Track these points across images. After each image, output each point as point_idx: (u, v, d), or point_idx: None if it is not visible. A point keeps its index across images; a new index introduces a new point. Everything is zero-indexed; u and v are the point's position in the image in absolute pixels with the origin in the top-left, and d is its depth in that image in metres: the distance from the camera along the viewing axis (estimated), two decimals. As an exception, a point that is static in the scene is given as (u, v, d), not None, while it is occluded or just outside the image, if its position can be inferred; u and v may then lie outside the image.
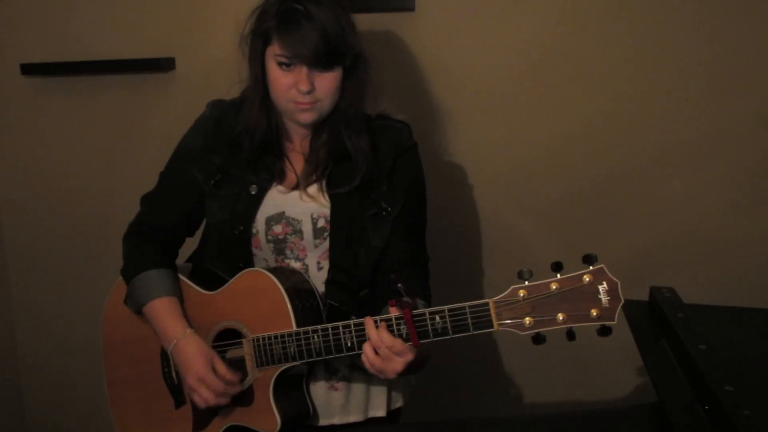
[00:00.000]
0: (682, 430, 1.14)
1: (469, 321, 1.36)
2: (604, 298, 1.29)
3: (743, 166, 2.14)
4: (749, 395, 1.13)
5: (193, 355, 1.56)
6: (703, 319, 1.45)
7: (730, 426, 1.06)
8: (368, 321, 1.42)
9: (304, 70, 1.50)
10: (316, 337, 1.48)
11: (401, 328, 1.40)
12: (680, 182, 2.18)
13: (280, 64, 1.51)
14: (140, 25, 2.32)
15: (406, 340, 1.40)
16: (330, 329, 1.47)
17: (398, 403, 1.75)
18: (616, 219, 2.22)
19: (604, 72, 2.15)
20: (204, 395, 1.54)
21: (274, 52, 1.51)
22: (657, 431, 1.28)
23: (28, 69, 2.36)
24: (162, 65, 2.30)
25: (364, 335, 1.43)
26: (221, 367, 1.55)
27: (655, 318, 1.52)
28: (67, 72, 2.36)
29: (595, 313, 1.29)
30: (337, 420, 1.67)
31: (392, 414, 1.74)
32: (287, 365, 1.52)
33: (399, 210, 1.61)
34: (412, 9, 2.16)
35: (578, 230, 2.24)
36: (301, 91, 1.50)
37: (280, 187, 1.62)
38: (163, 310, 1.60)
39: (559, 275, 1.30)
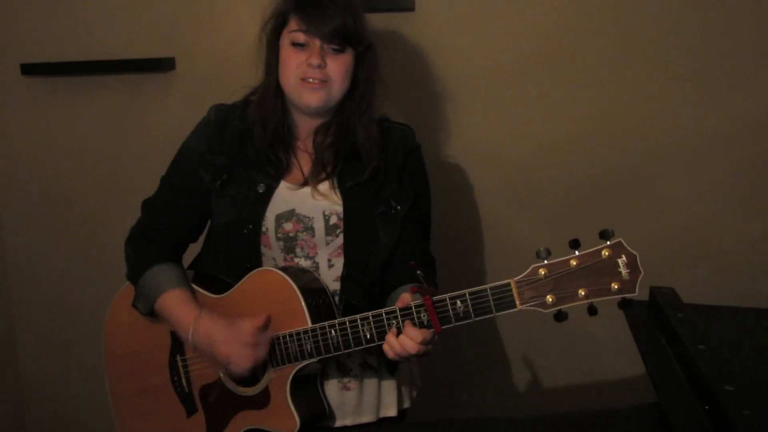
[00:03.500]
0: (682, 430, 1.14)
1: (492, 302, 1.36)
2: (624, 271, 1.29)
3: (743, 166, 2.14)
4: (749, 395, 1.13)
5: (213, 328, 1.54)
6: (703, 319, 1.46)
7: (730, 426, 1.06)
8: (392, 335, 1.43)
9: (317, 45, 1.52)
10: (333, 332, 1.47)
11: (422, 315, 1.40)
12: (680, 182, 2.18)
13: (294, 43, 1.54)
14: (140, 25, 2.31)
15: (427, 327, 1.40)
16: (347, 322, 1.46)
17: (406, 403, 1.75)
18: (616, 219, 2.21)
19: (603, 72, 2.15)
20: (239, 353, 1.50)
21: (289, 30, 1.54)
22: (657, 431, 1.28)
23: (28, 69, 2.36)
24: (162, 65, 2.30)
25: (383, 326, 1.43)
26: (244, 322, 1.52)
27: (655, 318, 1.52)
28: (67, 72, 2.36)
29: (615, 287, 1.29)
30: (349, 421, 1.66)
31: (400, 414, 1.73)
32: (304, 363, 1.51)
33: (408, 209, 1.62)
34: (412, 9, 2.16)
35: (578, 230, 2.22)
36: (311, 64, 1.52)
37: (288, 184, 1.62)
38: (174, 300, 1.58)
39: (577, 252, 1.31)
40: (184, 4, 2.29)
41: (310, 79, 1.53)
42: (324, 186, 1.61)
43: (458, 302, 1.38)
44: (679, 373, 1.30)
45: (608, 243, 1.30)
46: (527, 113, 2.20)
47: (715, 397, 1.12)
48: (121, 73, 2.35)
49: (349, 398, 1.65)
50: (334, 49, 1.54)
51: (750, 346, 1.43)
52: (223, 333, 1.52)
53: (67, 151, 2.45)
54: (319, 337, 1.48)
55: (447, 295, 1.39)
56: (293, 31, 1.53)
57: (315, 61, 1.52)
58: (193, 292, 1.62)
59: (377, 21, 2.13)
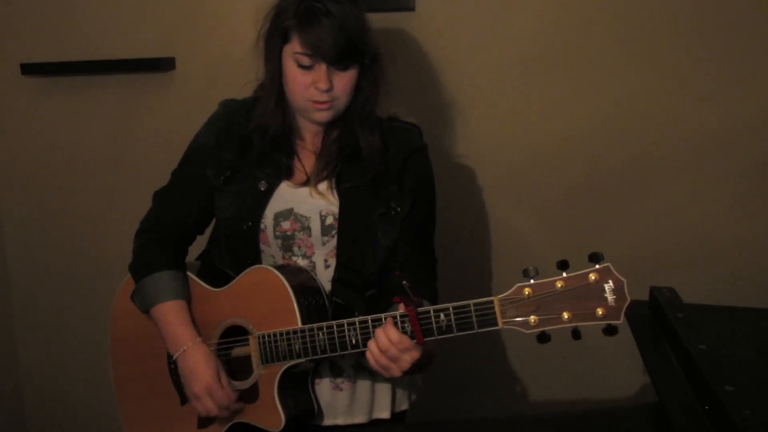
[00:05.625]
0: (682, 430, 1.14)
1: (474, 319, 1.35)
2: (609, 297, 1.27)
3: (743, 166, 2.14)
4: (749, 395, 1.13)
5: (203, 365, 1.56)
6: (703, 319, 1.46)
7: (730, 426, 1.06)
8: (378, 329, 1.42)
9: (323, 68, 1.51)
10: (321, 334, 1.48)
11: (405, 325, 1.40)
12: (680, 182, 2.18)
13: (300, 65, 1.52)
14: (140, 25, 2.32)
15: (410, 338, 1.40)
16: (335, 326, 1.47)
17: (403, 405, 1.75)
18: (616, 219, 2.22)
19: (604, 71, 2.15)
20: (208, 405, 1.56)
21: (293, 50, 1.52)
22: (657, 431, 1.28)
23: (28, 69, 2.36)
24: (162, 65, 2.30)
25: (369, 333, 1.43)
26: (226, 381, 1.57)
27: (655, 318, 1.51)
28: (67, 72, 2.36)
29: (600, 312, 1.28)
30: (341, 420, 1.67)
31: (397, 416, 1.73)
32: (292, 362, 1.52)
33: (408, 210, 1.62)
34: (412, 9, 2.17)
35: (579, 230, 2.24)
36: (320, 89, 1.51)
37: (290, 183, 1.62)
38: (171, 314, 1.60)
39: (564, 273, 1.29)
40: (184, 4, 2.29)
41: (318, 100, 1.53)
42: (323, 186, 1.62)
43: (441, 315, 1.37)
44: (679, 373, 1.30)
45: (596, 267, 1.28)
46: (527, 113, 2.20)
47: (715, 397, 1.12)
48: (121, 73, 2.35)
49: (340, 398, 1.66)
50: (340, 67, 1.53)
51: (750, 346, 1.42)
52: (209, 378, 1.56)
53: (67, 150, 2.45)
54: (308, 338, 1.49)
55: (431, 307, 1.38)
56: (298, 53, 1.51)
57: (323, 86, 1.51)
58: (189, 300, 1.64)
59: (377, 21, 2.14)
